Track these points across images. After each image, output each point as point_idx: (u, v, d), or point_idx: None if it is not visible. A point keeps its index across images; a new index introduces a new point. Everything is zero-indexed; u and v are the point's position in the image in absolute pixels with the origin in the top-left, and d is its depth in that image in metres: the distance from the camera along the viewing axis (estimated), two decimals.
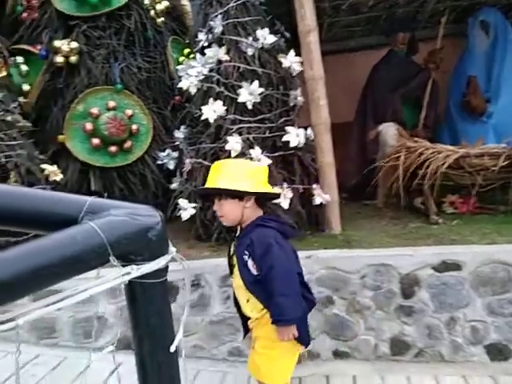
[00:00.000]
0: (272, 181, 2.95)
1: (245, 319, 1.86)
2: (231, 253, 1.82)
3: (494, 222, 2.99)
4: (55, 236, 0.65)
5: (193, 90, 3.15)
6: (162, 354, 0.75)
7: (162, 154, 3.62)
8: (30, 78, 3.46)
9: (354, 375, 2.37)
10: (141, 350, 0.76)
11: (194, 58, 3.18)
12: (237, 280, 1.76)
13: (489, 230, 2.81)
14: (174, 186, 3.27)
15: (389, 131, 3.87)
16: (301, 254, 2.70)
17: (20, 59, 3.45)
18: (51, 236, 0.65)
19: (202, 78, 3.11)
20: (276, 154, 2.99)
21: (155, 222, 0.73)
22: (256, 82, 2.93)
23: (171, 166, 3.57)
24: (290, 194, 2.87)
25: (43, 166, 3.05)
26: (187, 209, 2.91)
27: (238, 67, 3.01)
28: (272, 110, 3.07)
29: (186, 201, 2.94)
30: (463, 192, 3.25)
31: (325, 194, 3.01)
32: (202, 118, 3.00)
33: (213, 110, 2.95)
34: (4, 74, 2.98)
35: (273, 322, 1.61)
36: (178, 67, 3.30)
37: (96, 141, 3.32)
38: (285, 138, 2.94)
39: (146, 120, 3.61)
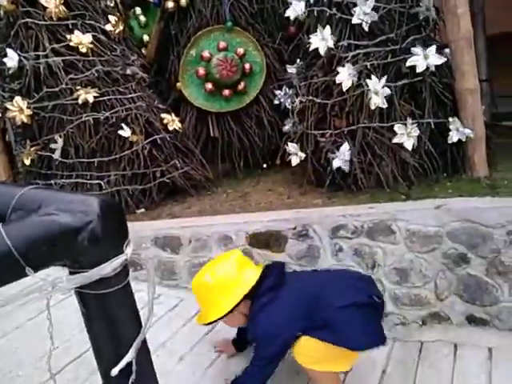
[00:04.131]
0: (395, 115, 2.51)
1: None
2: None
3: None
4: None
5: (302, 17, 2.79)
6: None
7: (279, 93, 3.39)
8: (149, 27, 3.51)
9: (489, 347, 1.97)
10: (99, 364, 0.63)
11: None
12: None
13: None
14: (286, 128, 3.05)
15: None
16: (429, 202, 2.31)
17: (138, 10, 3.51)
18: None
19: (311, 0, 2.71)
20: (400, 82, 2.48)
21: (86, 221, 0.56)
22: None
23: (289, 104, 3.33)
24: (415, 132, 2.38)
25: (163, 115, 3.12)
26: (297, 153, 2.68)
27: None
28: (396, 28, 2.52)
29: (296, 144, 2.70)
30: None
31: (465, 128, 2.42)
32: (311, 48, 2.64)
33: (321, 38, 2.56)
34: (121, 28, 3.05)
35: None
36: None
37: (209, 85, 3.25)
38: (409, 62, 2.40)
39: (260, 57, 3.38)
